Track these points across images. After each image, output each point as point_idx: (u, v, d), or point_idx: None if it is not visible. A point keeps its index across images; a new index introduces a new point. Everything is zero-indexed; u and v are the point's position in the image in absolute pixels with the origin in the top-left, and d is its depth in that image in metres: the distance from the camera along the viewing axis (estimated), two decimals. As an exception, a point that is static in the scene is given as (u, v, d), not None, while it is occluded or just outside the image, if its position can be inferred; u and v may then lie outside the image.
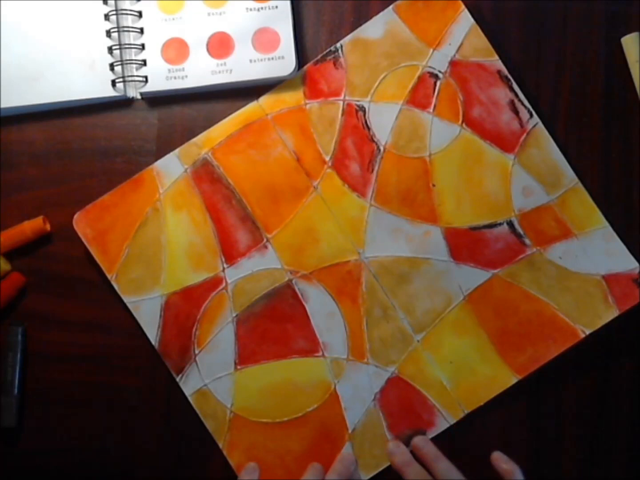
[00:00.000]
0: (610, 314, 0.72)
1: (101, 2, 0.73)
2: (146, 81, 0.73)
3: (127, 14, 0.73)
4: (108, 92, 0.73)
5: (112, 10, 0.73)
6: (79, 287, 0.73)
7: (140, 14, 0.73)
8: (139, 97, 0.74)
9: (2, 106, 0.73)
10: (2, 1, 0.73)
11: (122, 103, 0.74)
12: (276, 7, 0.73)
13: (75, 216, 0.72)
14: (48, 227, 0.73)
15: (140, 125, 0.74)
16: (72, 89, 0.73)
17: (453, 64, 0.73)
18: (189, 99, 0.74)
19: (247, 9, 0.73)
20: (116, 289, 0.72)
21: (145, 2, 0.73)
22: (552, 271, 0.72)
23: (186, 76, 0.73)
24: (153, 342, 0.72)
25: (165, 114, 0.74)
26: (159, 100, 0.74)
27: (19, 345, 0.72)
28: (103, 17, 0.73)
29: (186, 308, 0.72)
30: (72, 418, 0.73)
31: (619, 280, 0.72)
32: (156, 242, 0.72)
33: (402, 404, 0.72)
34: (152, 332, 0.72)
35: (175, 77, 0.73)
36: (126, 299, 0.72)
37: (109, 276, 0.72)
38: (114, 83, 0.73)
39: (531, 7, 0.75)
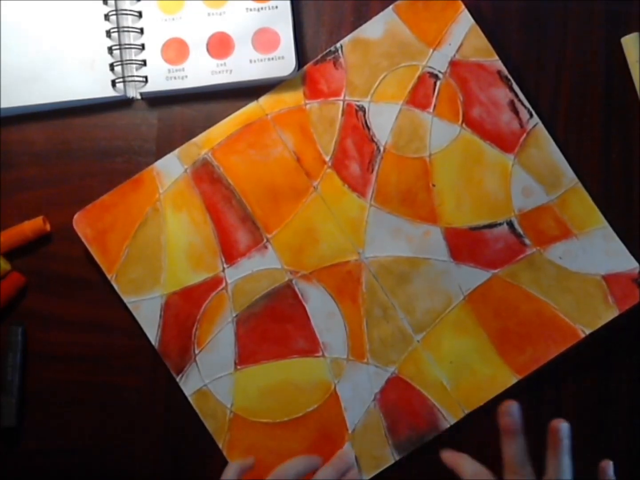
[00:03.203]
0: (610, 313, 0.72)
1: (101, 2, 0.73)
2: (146, 81, 0.73)
3: (127, 14, 0.73)
4: (108, 92, 0.73)
5: (112, 11, 0.73)
6: (79, 287, 0.73)
7: (140, 14, 0.73)
8: (139, 97, 0.74)
9: (2, 106, 0.73)
10: (2, 1, 0.73)
11: (122, 103, 0.74)
12: (276, 7, 0.73)
13: (75, 216, 0.72)
14: (48, 227, 0.73)
15: (140, 125, 0.74)
16: (72, 89, 0.73)
17: (453, 64, 0.73)
18: (189, 99, 0.74)
19: (247, 9, 0.73)
20: (116, 289, 0.72)
21: (145, 2, 0.73)
22: (552, 271, 0.72)
23: (186, 76, 0.73)
24: (153, 342, 0.72)
25: (165, 114, 0.74)
26: (159, 100, 0.74)
27: (19, 345, 0.72)
28: (103, 17, 0.73)
29: (186, 308, 0.72)
30: (72, 418, 0.73)
31: (619, 280, 0.72)
32: (156, 242, 0.72)
33: (402, 404, 0.72)
34: (152, 332, 0.72)
35: (175, 77, 0.73)
36: (126, 299, 0.72)
37: (109, 276, 0.72)
38: (114, 83, 0.73)
39: (531, 7, 0.75)
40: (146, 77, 0.73)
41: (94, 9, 0.73)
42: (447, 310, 0.72)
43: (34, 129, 0.74)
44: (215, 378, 0.72)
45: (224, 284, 0.72)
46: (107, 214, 0.72)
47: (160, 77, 0.73)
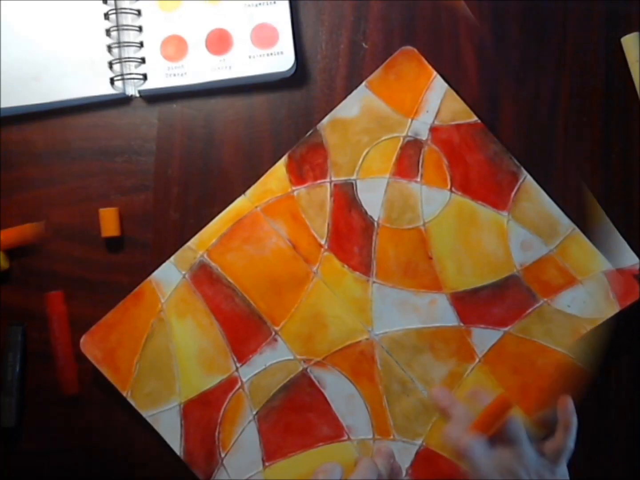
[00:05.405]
0: (612, 310, 0.72)
1: (101, 1, 0.73)
2: (145, 79, 0.73)
3: (126, 13, 0.73)
4: (107, 90, 0.73)
5: (112, 9, 0.73)
6: (79, 287, 0.73)
7: (139, 12, 0.73)
8: (137, 94, 0.74)
9: (2, 106, 0.73)
10: (2, 1, 0.73)
11: (121, 101, 0.74)
12: (274, 2, 0.73)
13: (82, 339, 0.71)
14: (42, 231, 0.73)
15: (140, 124, 0.74)
16: (71, 87, 0.73)
17: (433, 130, 0.73)
18: (189, 96, 0.74)
19: (245, 5, 0.73)
20: (133, 405, 0.71)
21: (144, 0, 0.73)
22: (562, 320, 0.72)
23: (185, 73, 0.73)
24: (178, 452, 0.71)
25: (165, 113, 0.74)
26: (158, 98, 0.74)
27: (19, 345, 0.72)
28: (103, 16, 0.73)
29: (206, 413, 0.71)
30: (72, 418, 0.73)
31: (620, 276, 0.72)
32: (165, 352, 0.72)
33: (434, 475, 0.71)
34: (176, 443, 0.71)
35: (174, 74, 0.73)
36: (144, 413, 0.71)
37: (123, 394, 0.71)
38: (112, 81, 0.73)
39: (531, 7, 0.75)
40: (145, 75, 0.73)
41: (93, 9, 0.74)
42: (464, 375, 0.72)
43: (34, 129, 0.74)
44: (245, 479, 0.71)
45: (239, 384, 0.72)
46: (113, 332, 0.71)
47: (160, 74, 0.73)
